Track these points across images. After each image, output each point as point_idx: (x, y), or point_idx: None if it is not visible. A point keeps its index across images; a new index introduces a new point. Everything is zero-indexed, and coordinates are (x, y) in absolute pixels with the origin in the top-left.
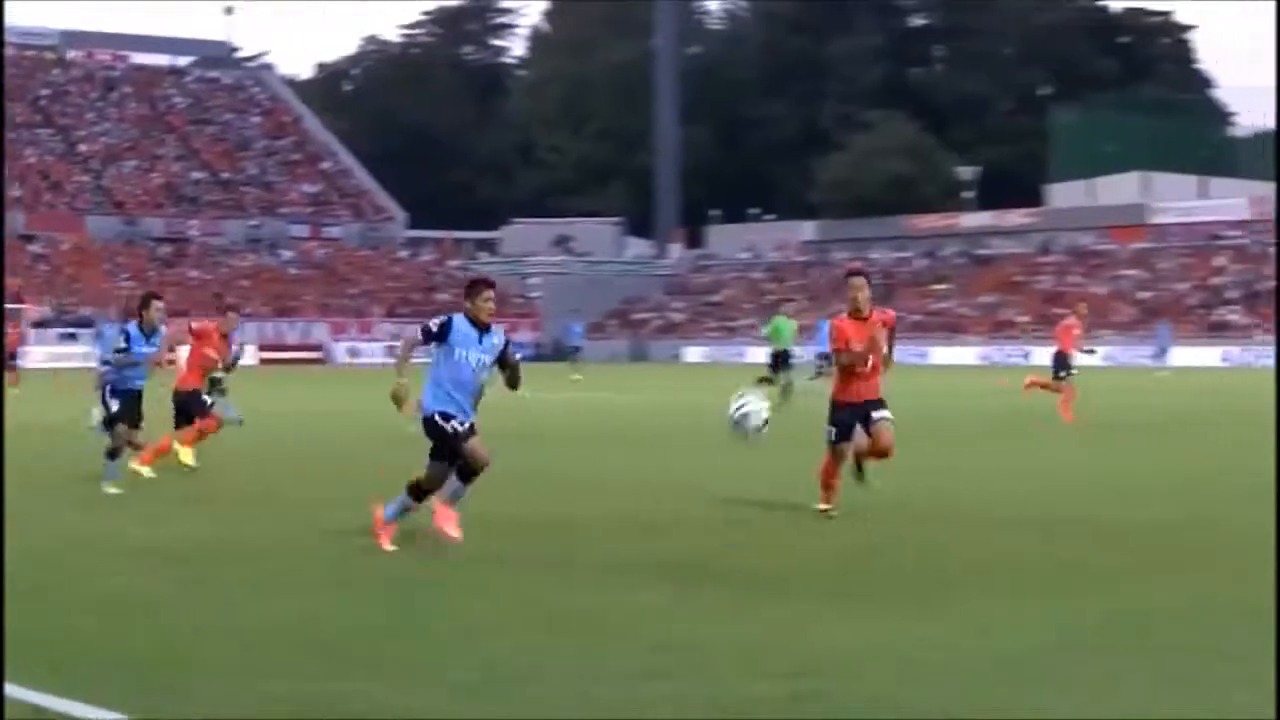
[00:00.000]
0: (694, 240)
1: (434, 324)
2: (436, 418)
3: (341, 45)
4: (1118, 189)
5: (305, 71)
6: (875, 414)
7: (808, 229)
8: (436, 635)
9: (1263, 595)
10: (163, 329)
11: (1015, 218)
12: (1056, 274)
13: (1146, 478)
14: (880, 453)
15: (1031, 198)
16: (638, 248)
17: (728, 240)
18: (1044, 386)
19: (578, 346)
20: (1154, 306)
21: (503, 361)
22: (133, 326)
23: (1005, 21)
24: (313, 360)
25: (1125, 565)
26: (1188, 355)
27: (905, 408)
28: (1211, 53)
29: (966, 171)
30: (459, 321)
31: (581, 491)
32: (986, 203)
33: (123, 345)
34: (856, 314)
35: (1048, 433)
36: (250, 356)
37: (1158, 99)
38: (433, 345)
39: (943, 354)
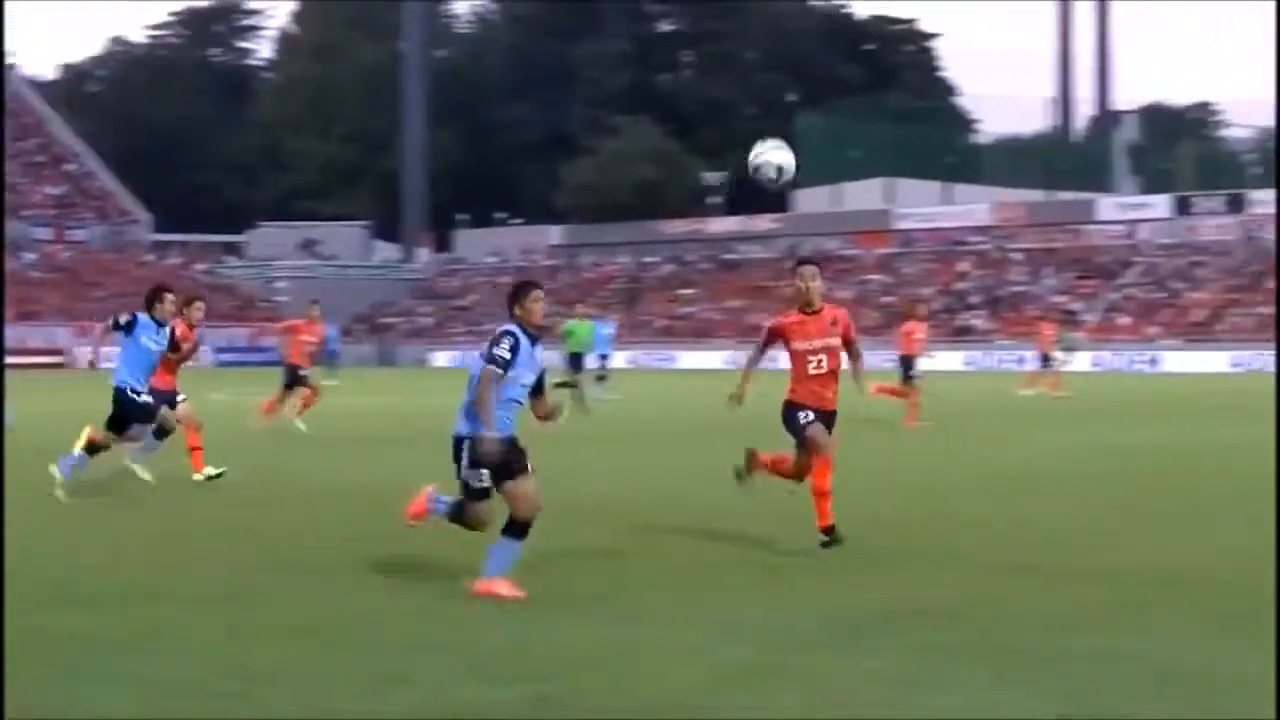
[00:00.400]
0: (441, 244)
1: (506, 351)
2: (463, 447)
3: (87, 46)
4: (863, 195)
5: (49, 72)
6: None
7: (555, 233)
8: (184, 640)
9: (989, 594)
10: (170, 324)
11: (762, 223)
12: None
13: (887, 475)
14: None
15: (778, 203)
16: (385, 251)
17: (475, 244)
18: (892, 392)
19: (335, 351)
20: (899, 311)
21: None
22: (142, 315)
23: (751, 27)
24: (55, 365)
25: (864, 563)
26: (932, 359)
27: (650, 411)
28: (955, 60)
29: (713, 177)
30: (521, 337)
31: (332, 496)
32: (733, 208)
33: (122, 322)
34: (807, 307)
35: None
36: None
37: (902, 106)
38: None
39: (690, 358)
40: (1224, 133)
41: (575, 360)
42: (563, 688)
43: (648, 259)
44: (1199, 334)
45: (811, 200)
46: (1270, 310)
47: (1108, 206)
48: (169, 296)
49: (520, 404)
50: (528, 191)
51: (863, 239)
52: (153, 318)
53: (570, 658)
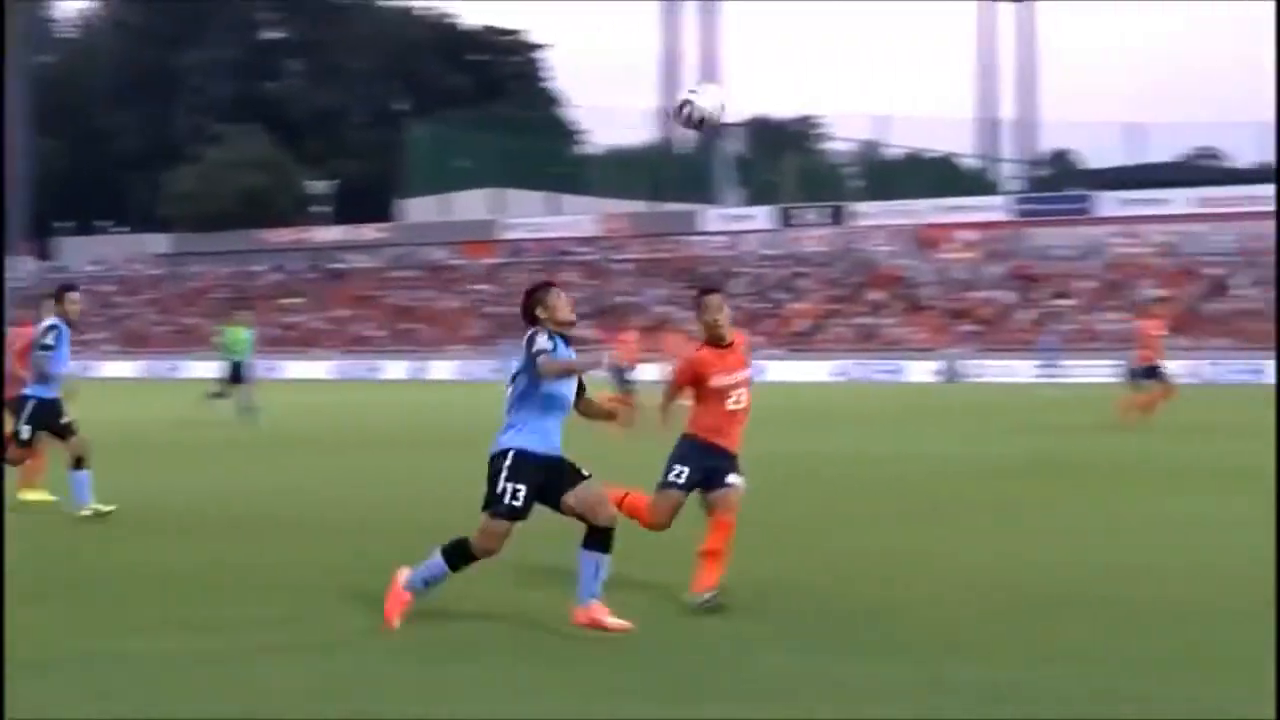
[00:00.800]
0: (43, 252)
1: (545, 341)
2: (506, 459)
3: None
4: (470, 205)
5: None
6: (729, 477)
7: (160, 242)
8: None
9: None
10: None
11: (369, 232)
12: (409, 288)
13: (457, 485)
14: (723, 526)
15: (386, 212)
16: None
17: (78, 252)
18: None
19: None
20: (506, 321)
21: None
22: (62, 323)
23: (361, 37)
24: None
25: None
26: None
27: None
28: (565, 71)
29: (320, 185)
30: (543, 338)
31: None
32: (341, 217)
33: (49, 343)
34: (717, 341)
35: (379, 442)
36: None
37: (510, 116)
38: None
39: (297, 368)
40: (826, 146)
41: (237, 369)
42: (119, 700)
43: (254, 268)
44: (801, 344)
45: (419, 210)
46: (869, 320)
47: (712, 218)
48: (72, 295)
49: (565, 412)
50: (133, 199)
51: (470, 249)
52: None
53: (131, 667)
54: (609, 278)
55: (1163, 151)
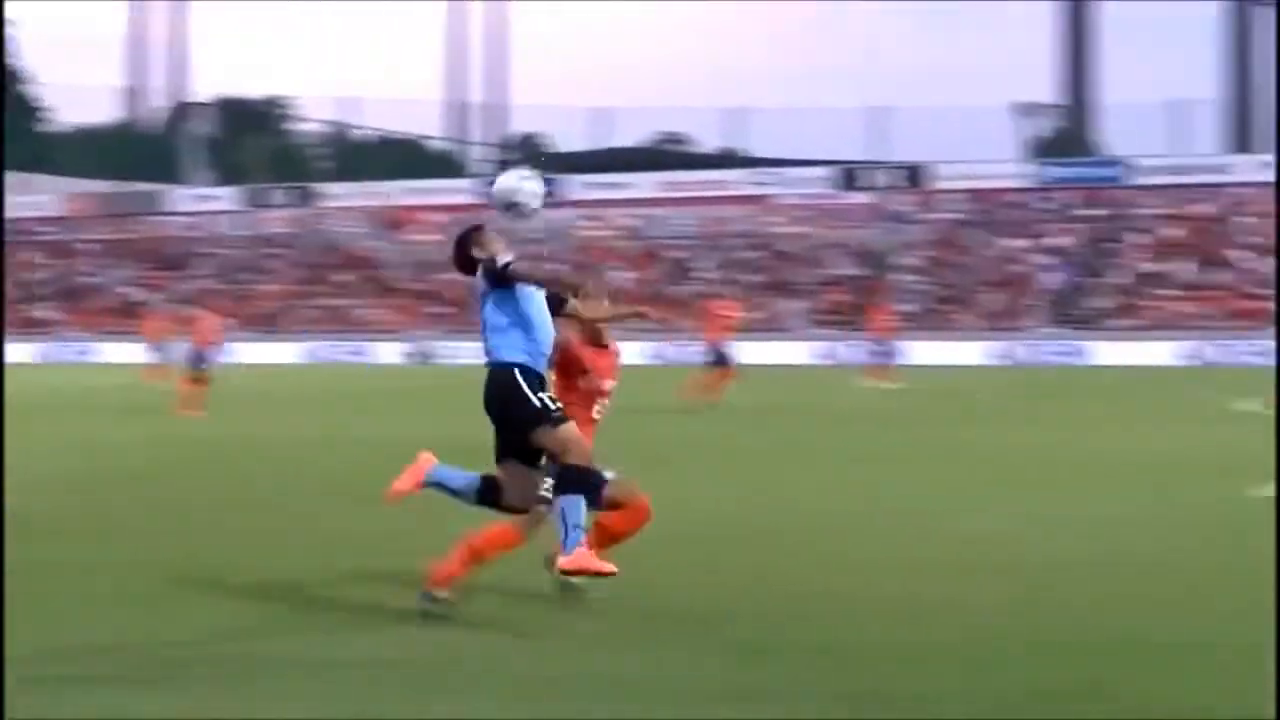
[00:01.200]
0: None
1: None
2: (516, 374)
3: None
4: None
5: None
6: (607, 472)
7: None
8: None
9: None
10: None
11: None
12: None
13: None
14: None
15: None
16: None
17: None
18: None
19: None
20: None
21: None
22: None
23: None
24: None
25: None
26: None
27: None
28: (28, 47)
29: None
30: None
31: None
32: None
33: None
34: (595, 340)
35: None
36: None
37: None
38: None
39: None
40: (294, 127)
41: None
42: None
43: None
44: (269, 325)
45: None
46: (337, 302)
47: (180, 198)
48: None
49: (547, 358)
50: None
51: None
52: None
53: None
54: (74, 258)
55: (628, 136)
